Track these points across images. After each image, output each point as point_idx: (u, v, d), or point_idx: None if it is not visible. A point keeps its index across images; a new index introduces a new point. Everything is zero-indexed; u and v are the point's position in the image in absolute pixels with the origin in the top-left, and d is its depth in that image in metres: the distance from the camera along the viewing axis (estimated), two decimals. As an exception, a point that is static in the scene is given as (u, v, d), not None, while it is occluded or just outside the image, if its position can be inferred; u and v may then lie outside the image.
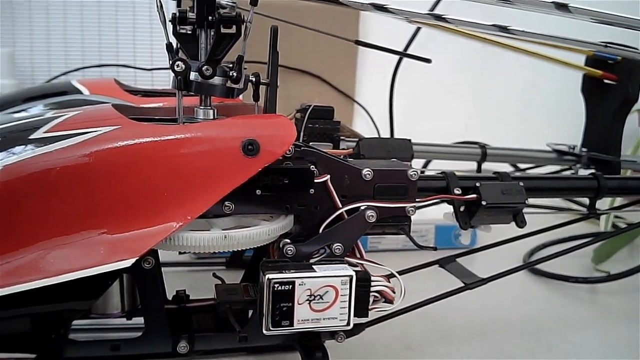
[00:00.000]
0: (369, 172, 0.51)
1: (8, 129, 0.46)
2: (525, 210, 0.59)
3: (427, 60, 0.80)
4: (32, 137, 0.45)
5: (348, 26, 1.31)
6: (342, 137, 0.72)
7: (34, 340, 0.46)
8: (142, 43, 1.30)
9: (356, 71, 1.40)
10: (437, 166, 1.01)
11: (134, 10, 1.30)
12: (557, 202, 1.19)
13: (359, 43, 0.80)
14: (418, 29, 1.31)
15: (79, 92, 0.72)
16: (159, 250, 0.48)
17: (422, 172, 0.58)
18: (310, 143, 0.65)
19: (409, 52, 1.35)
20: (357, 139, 0.69)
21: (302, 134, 0.63)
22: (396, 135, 1.39)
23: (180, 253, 0.53)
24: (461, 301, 0.62)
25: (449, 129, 1.38)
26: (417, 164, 1.15)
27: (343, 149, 0.71)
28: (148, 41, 1.30)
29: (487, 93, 1.46)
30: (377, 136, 1.28)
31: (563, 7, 0.51)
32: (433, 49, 1.32)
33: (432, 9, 1.24)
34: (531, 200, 0.57)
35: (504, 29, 0.58)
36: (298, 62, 1.31)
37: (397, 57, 1.33)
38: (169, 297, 0.56)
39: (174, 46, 0.50)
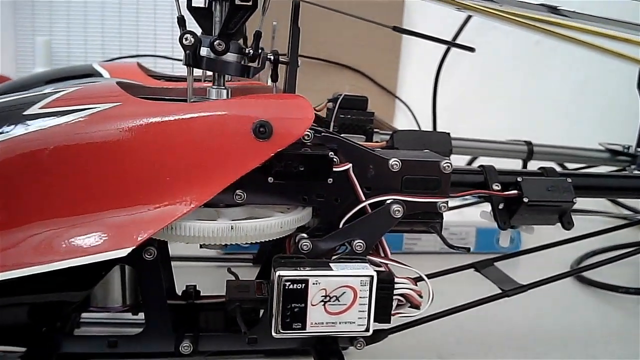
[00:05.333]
0: (397, 163, 0.46)
1: (2, 104, 0.43)
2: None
3: (471, 49, 0.75)
4: (26, 112, 0.41)
5: (392, 19, 1.26)
6: (375, 130, 0.68)
7: (24, 333, 0.43)
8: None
9: (399, 66, 1.35)
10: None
11: (172, 2, 1.27)
12: (609, 208, 1.12)
13: (397, 29, 0.75)
14: (467, 19, 1.25)
15: (100, 75, 0.69)
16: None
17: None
18: (342, 135, 0.61)
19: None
20: (391, 132, 0.64)
21: (332, 124, 0.59)
22: (439, 133, 1.33)
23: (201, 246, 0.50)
24: (500, 309, 0.57)
25: (495, 128, 1.31)
26: (462, 161, 1.10)
27: (376, 141, 0.66)
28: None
29: (536, 92, 1.39)
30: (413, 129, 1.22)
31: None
32: (481, 45, 1.27)
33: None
34: (581, 202, 0.52)
35: (553, 9, 0.52)
36: (338, 56, 1.27)
37: (441, 52, 1.28)
38: (179, 291, 0.52)
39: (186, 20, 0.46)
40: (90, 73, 0.70)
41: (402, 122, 1.32)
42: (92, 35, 1.28)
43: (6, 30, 1.26)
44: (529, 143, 0.80)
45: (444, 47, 1.27)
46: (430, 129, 1.31)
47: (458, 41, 1.28)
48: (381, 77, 1.32)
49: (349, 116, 0.64)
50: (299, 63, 0.46)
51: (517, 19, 0.67)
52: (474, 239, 0.93)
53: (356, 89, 1.33)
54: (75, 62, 1.28)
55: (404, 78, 1.35)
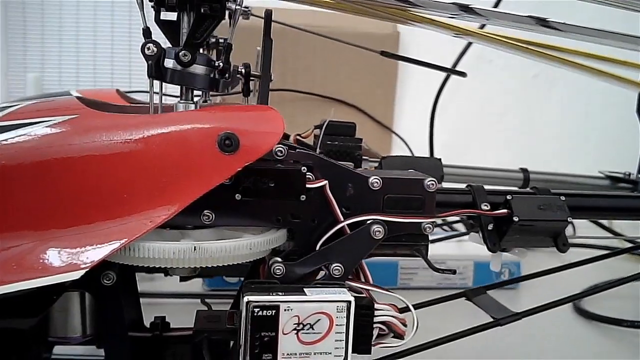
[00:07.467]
0: (377, 181, 0.43)
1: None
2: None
3: (462, 74, 0.72)
4: (-22, 127, 0.38)
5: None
6: (364, 157, 0.65)
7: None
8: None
9: (395, 101, 1.33)
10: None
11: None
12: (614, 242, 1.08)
13: (384, 54, 0.73)
14: (462, 53, 1.23)
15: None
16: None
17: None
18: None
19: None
20: (379, 159, 0.62)
21: (317, 151, 0.56)
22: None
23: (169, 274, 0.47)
24: (493, 342, 0.53)
25: (495, 162, 1.29)
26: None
27: (365, 168, 0.63)
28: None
29: (535, 126, 1.37)
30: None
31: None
32: (479, 78, 1.25)
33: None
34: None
35: (542, 21, 0.50)
36: (333, 91, 1.25)
37: (437, 87, 1.27)
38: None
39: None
40: (67, 100, 0.67)
41: (400, 157, 1.30)
42: (84, 72, 1.27)
43: (-2, 65, 1.26)
44: (524, 170, 0.77)
45: (440, 81, 1.26)
46: (427, 163, 1.28)
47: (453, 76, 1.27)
48: (377, 112, 1.30)
49: (336, 142, 0.61)
50: (272, 77, 0.44)
51: (514, 42, 0.64)
52: (472, 273, 0.89)
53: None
54: (66, 99, 1.27)
55: (401, 113, 1.33)
